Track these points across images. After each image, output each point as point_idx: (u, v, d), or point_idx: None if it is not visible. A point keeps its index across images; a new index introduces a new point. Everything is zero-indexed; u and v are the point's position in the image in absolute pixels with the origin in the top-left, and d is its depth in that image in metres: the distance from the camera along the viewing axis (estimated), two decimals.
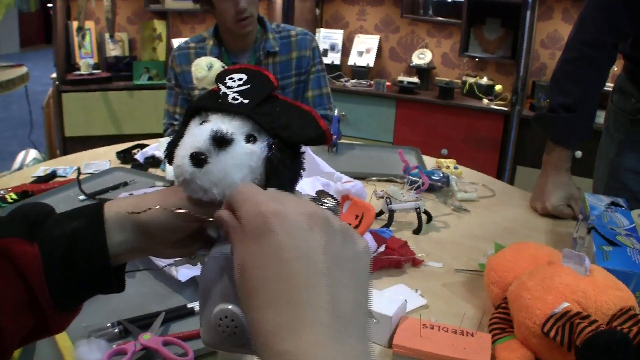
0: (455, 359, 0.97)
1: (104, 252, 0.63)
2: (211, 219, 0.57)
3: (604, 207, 1.49)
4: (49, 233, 0.63)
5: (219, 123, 0.59)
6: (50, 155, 3.96)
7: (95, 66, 4.50)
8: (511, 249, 1.22)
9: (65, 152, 4.34)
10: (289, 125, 0.60)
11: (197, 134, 0.59)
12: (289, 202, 0.51)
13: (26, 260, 0.61)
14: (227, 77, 0.62)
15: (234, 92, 0.60)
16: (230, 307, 0.57)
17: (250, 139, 0.59)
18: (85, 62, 4.39)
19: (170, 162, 0.63)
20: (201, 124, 0.61)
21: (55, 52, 4.28)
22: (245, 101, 0.59)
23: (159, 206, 0.62)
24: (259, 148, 0.59)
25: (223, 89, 0.61)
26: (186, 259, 0.73)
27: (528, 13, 4.11)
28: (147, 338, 0.99)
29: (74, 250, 0.62)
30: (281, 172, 0.60)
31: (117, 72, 4.54)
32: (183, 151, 0.59)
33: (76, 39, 4.40)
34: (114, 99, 4.43)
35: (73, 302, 0.66)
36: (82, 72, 4.37)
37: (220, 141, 0.58)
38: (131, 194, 1.30)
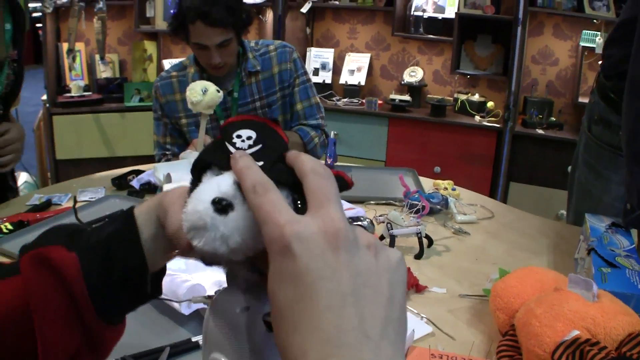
0: None
1: (138, 247, 0.63)
2: None
3: (605, 228, 1.49)
4: (86, 241, 0.63)
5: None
6: (42, 177, 3.94)
7: (86, 88, 4.48)
8: (516, 275, 1.21)
9: (57, 175, 4.32)
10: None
11: (220, 181, 0.54)
12: (314, 221, 0.49)
13: (66, 267, 0.60)
14: (235, 135, 0.58)
15: None
16: (221, 358, 0.57)
17: None
18: (76, 84, 4.37)
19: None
20: (218, 175, 0.56)
21: (46, 74, 4.27)
22: (260, 164, 0.54)
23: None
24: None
25: (231, 148, 0.57)
26: (200, 297, 0.70)
27: (519, 29, 4.14)
28: None
29: (110, 253, 0.62)
30: None
31: (108, 94, 4.53)
32: (203, 196, 0.53)
33: (66, 61, 4.39)
34: (105, 120, 4.42)
35: (114, 310, 0.65)
36: (72, 94, 4.36)
37: None
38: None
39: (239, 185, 0.53)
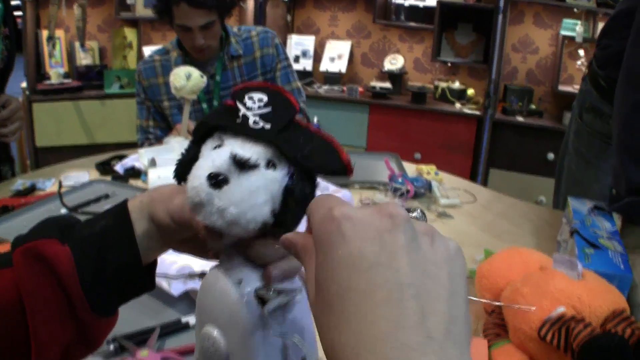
0: None
1: (132, 243, 0.63)
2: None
3: (587, 211, 1.51)
4: (79, 234, 0.63)
5: (238, 148, 0.55)
6: (21, 165, 3.91)
7: (66, 75, 4.45)
8: (501, 256, 1.23)
9: (36, 162, 4.29)
10: (312, 155, 0.56)
11: (215, 156, 0.55)
12: (363, 208, 0.44)
13: (60, 261, 0.61)
14: (246, 96, 0.58)
15: (254, 115, 0.56)
16: (214, 332, 0.58)
17: (270, 164, 0.55)
18: (56, 71, 4.34)
19: (179, 183, 0.61)
20: (216, 147, 0.57)
21: (26, 62, 4.22)
22: (267, 126, 0.56)
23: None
24: (280, 175, 0.55)
25: (242, 109, 0.57)
26: (183, 276, 0.71)
27: (500, 18, 4.17)
28: (145, 355, 0.98)
29: (104, 246, 0.63)
30: (301, 201, 0.55)
31: (88, 81, 4.49)
32: (199, 171, 0.55)
33: (46, 48, 4.35)
34: (86, 108, 4.39)
35: (107, 304, 0.65)
36: (52, 81, 4.32)
37: (242, 165, 0.54)
38: None
39: (234, 158, 0.54)
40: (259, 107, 0.57)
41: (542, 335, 0.97)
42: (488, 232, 1.64)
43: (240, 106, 0.57)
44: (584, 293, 1.01)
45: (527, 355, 1.02)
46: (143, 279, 0.66)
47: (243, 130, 0.56)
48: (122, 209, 0.65)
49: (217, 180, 0.53)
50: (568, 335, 0.94)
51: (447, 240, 0.45)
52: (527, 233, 1.66)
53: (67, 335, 0.63)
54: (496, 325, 1.10)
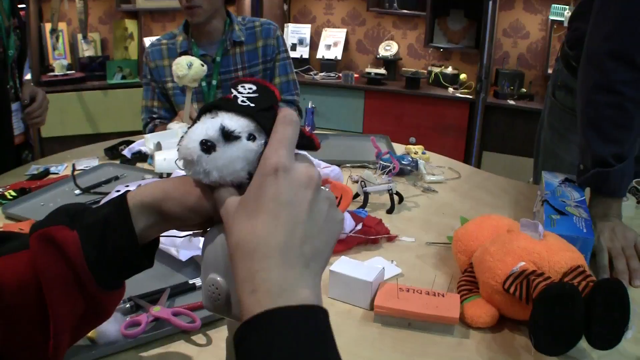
0: (429, 316, 1.12)
1: (130, 228, 0.73)
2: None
3: (558, 182, 1.64)
4: (85, 221, 0.73)
5: (227, 120, 0.69)
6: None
7: (69, 67, 4.57)
8: (475, 221, 1.36)
9: (42, 152, 4.41)
10: None
11: (209, 125, 0.69)
12: (300, 163, 0.64)
13: (68, 244, 0.71)
14: (240, 85, 0.72)
15: (243, 97, 0.71)
16: (217, 278, 0.71)
17: (250, 137, 0.68)
18: (59, 63, 4.46)
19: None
20: (212, 118, 0.70)
21: (30, 54, 4.34)
22: (252, 105, 0.70)
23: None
24: (257, 146, 0.68)
25: (234, 92, 0.71)
26: (200, 232, 0.83)
27: (490, 3, 4.27)
28: (157, 310, 1.11)
29: (106, 232, 0.73)
30: None
31: (91, 72, 4.62)
32: (194, 136, 0.68)
33: (49, 41, 4.47)
34: (89, 98, 4.52)
35: (111, 279, 0.76)
36: (56, 73, 4.45)
37: (228, 136, 0.67)
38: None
39: (222, 130, 0.68)
40: (248, 92, 0.71)
41: (506, 287, 1.10)
42: (469, 205, 1.77)
43: (233, 91, 0.71)
44: (543, 250, 1.14)
45: (494, 307, 1.15)
46: (140, 258, 0.76)
47: (233, 107, 0.70)
48: (121, 199, 0.75)
49: (207, 146, 0.67)
50: (529, 287, 1.08)
51: (338, 210, 0.67)
52: (506, 205, 1.78)
53: (78, 306, 0.74)
54: (468, 283, 1.23)
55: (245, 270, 0.59)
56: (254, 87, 0.72)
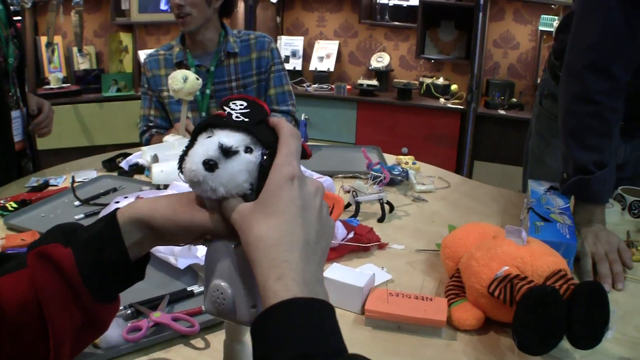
0: (418, 319, 1.17)
1: (121, 244, 0.77)
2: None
3: (544, 190, 1.70)
4: (78, 238, 0.77)
5: (224, 137, 0.74)
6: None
7: (65, 79, 4.61)
8: (462, 229, 1.42)
9: (39, 164, 4.43)
10: (276, 141, 0.75)
11: (208, 145, 0.73)
12: (309, 177, 0.73)
13: (63, 261, 0.74)
14: (231, 102, 0.77)
15: (237, 113, 0.76)
16: (222, 283, 0.76)
17: (247, 150, 0.73)
18: (55, 76, 4.50)
19: (181, 168, 0.77)
20: (208, 137, 0.75)
21: (26, 67, 4.37)
22: (246, 119, 0.75)
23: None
24: (255, 157, 0.73)
25: (227, 109, 0.76)
26: (185, 248, 0.88)
27: (480, 14, 4.33)
28: (157, 315, 1.16)
29: (98, 247, 0.76)
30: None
31: (86, 85, 4.65)
32: (196, 158, 0.73)
33: (45, 54, 4.51)
34: (84, 111, 4.55)
35: (105, 292, 0.79)
36: (52, 85, 4.48)
37: (227, 152, 0.72)
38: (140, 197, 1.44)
39: (221, 148, 0.73)
40: (240, 108, 0.76)
41: (491, 291, 1.15)
42: (458, 214, 1.82)
43: (226, 108, 0.76)
44: (527, 255, 1.19)
45: (480, 310, 1.20)
46: (132, 272, 0.80)
47: (228, 123, 0.75)
48: (112, 217, 0.78)
49: (209, 165, 0.72)
50: (512, 291, 1.13)
51: (330, 218, 0.76)
52: (495, 213, 1.83)
53: (76, 319, 0.77)
54: (455, 287, 1.28)
55: (270, 260, 0.66)
56: (245, 103, 0.77)
